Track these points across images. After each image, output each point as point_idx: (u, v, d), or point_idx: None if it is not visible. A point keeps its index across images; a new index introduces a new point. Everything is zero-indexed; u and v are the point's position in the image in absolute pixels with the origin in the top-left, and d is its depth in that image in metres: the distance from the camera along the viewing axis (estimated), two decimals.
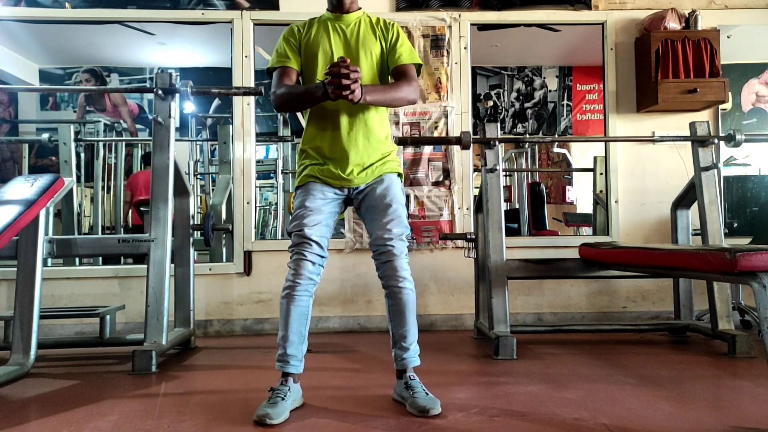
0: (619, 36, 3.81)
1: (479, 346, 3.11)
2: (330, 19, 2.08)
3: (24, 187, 2.61)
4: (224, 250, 3.92)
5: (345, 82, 1.75)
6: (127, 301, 3.46)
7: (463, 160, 3.72)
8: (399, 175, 2.08)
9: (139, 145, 5.43)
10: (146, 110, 5.85)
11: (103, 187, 4.93)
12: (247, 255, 3.62)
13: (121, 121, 5.67)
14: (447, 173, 3.72)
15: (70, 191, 3.99)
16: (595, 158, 4.44)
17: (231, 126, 3.79)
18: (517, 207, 5.33)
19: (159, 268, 2.68)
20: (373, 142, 2.00)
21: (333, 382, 2.35)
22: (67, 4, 3.65)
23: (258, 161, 4.59)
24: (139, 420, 1.84)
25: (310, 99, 1.92)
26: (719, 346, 2.93)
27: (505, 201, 3.68)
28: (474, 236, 3.29)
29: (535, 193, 5.33)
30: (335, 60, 1.94)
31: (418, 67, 2.10)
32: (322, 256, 1.93)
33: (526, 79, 5.83)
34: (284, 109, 2.04)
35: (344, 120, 1.97)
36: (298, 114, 3.91)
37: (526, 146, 5.52)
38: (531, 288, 3.72)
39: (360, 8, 2.11)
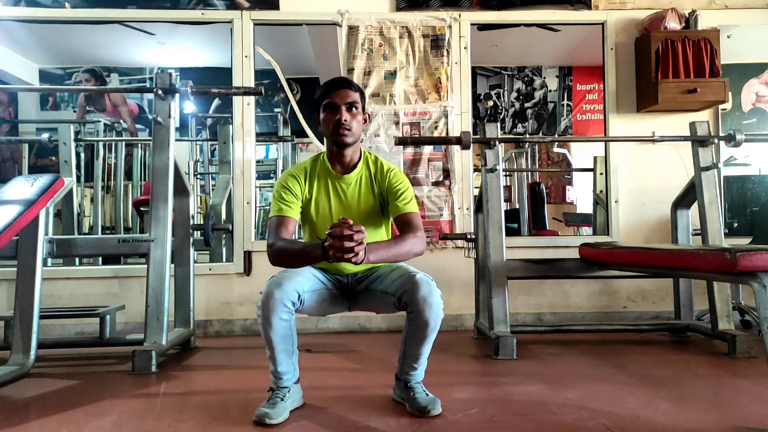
0: (619, 36, 3.81)
1: (479, 346, 3.11)
2: (330, 176, 1.98)
3: (24, 187, 2.61)
4: (224, 250, 3.92)
5: (348, 245, 1.63)
6: (127, 301, 3.46)
7: (463, 160, 3.71)
8: None
9: (139, 145, 5.43)
10: (146, 110, 5.85)
11: (103, 187, 4.93)
12: (247, 255, 3.62)
13: (121, 121, 5.67)
14: (447, 173, 3.72)
15: (70, 191, 3.99)
16: (595, 158, 4.44)
17: (231, 126, 3.79)
18: (517, 207, 5.33)
19: (159, 268, 2.68)
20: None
21: (333, 382, 2.35)
22: (67, 4, 3.65)
23: (258, 161, 4.59)
24: (139, 420, 1.84)
25: (306, 259, 1.80)
26: (719, 346, 2.93)
27: (505, 201, 3.68)
28: (474, 236, 3.29)
29: (535, 193, 5.33)
30: (334, 222, 1.82)
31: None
32: (300, 303, 1.82)
33: (526, 79, 5.83)
34: (278, 264, 1.86)
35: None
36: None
37: (526, 146, 5.52)
38: (531, 288, 3.72)
39: (360, 158, 2.00)
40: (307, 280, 1.85)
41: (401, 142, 3.21)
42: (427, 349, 1.89)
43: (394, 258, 1.84)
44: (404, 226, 1.93)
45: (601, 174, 4.06)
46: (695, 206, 3.17)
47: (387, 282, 1.90)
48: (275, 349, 1.81)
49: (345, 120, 1.90)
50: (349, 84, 1.95)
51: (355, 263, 1.69)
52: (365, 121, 2.00)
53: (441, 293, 1.82)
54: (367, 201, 1.99)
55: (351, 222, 1.67)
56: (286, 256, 1.83)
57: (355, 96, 1.94)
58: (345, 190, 1.99)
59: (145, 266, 2.71)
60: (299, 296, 1.79)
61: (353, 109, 1.93)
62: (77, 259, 3.86)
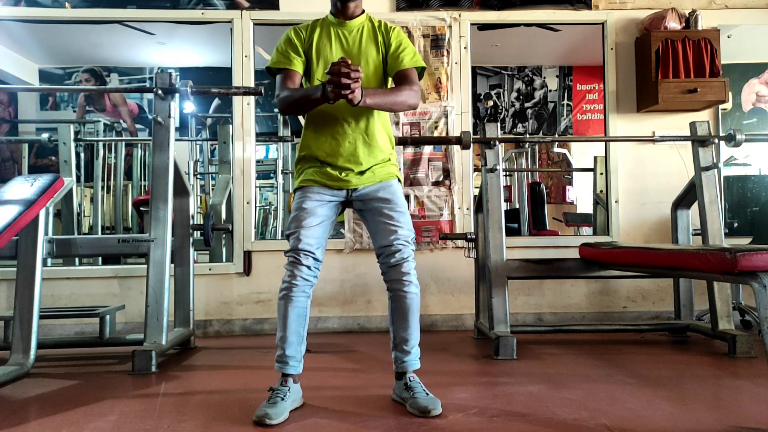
0: (620, 36, 3.81)
1: (479, 346, 3.11)
2: (333, 24, 2.05)
3: (24, 187, 2.61)
4: (224, 250, 3.91)
5: (345, 81, 1.71)
6: (127, 301, 3.46)
7: (463, 160, 3.71)
8: (399, 180, 2.06)
9: (139, 145, 5.42)
10: (146, 110, 5.85)
11: (102, 187, 4.93)
12: (247, 255, 3.62)
13: (121, 121, 5.67)
14: (447, 173, 3.72)
15: (70, 191, 3.99)
16: (595, 158, 4.44)
17: (231, 126, 3.79)
18: (517, 207, 5.33)
19: (159, 268, 2.67)
20: (372, 145, 1.99)
21: (333, 382, 2.35)
22: (67, 3, 3.65)
23: (258, 161, 4.59)
24: (139, 420, 1.84)
25: (308, 101, 1.89)
26: (719, 346, 2.93)
27: (505, 201, 3.67)
28: (474, 236, 3.29)
29: (535, 193, 5.33)
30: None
31: (422, 70, 2.07)
32: (317, 260, 1.92)
33: (526, 78, 5.83)
34: (287, 112, 2.03)
35: (343, 122, 1.96)
36: (300, 118, 3.90)
37: (526, 146, 5.52)
38: (531, 288, 3.72)
39: (363, 11, 2.08)
40: (321, 230, 1.93)
41: (401, 142, 3.21)
42: (414, 329, 1.97)
43: (389, 105, 1.92)
44: (402, 80, 1.99)
45: (601, 174, 4.07)
46: (695, 206, 3.17)
47: (380, 223, 1.96)
48: (288, 328, 1.88)
49: None
50: None
51: (352, 102, 1.77)
52: None
53: (414, 264, 1.97)
54: (369, 49, 2.02)
55: (350, 61, 1.73)
56: (290, 103, 1.94)
57: None
58: (347, 36, 2.03)
59: (145, 266, 2.71)
60: (318, 259, 1.91)
61: None
62: (77, 259, 3.86)
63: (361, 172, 1.98)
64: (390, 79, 2.07)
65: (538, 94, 5.82)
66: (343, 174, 1.96)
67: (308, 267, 1.90)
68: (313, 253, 1.90)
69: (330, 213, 1.99)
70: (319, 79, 1.97)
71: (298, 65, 2.01)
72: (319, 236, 1.93)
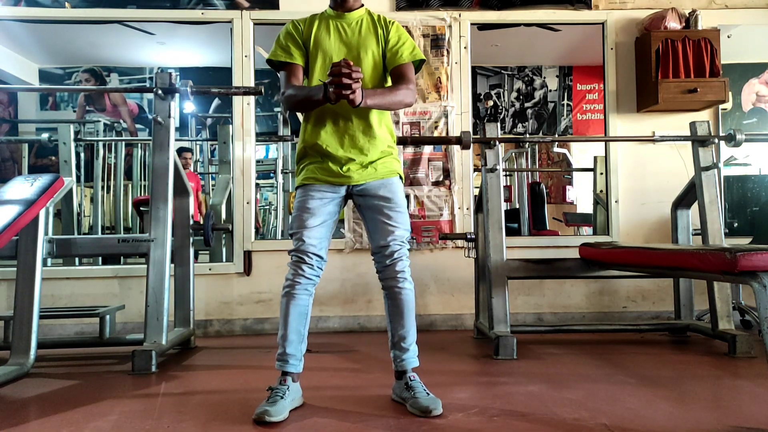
0: (620, 36, 3.81)
1: (479, 346, 3.11)
2: (332, 17, 2.06)
3: (24, 186, 2.61)
4: (224, 250, 3.91)
5: (346, 81, 1.74)
6: (127, 301, 3.46)
7: (463, 159, 3.71)
8: (400, 177, 2.07)
9: (139, 145, 5.43)
10: (146, 110, 5.85)
11: (102, 187, 4.93)
12: (247, 255, 3.62)
13: (121, 121, 5.67)
14: (447, 173, 3.72)
15: (70, 191, 3.99)
16: (595, 158, 4.44)
17: (231, 126, 3.79)
18: (517, 207, 5.33)
19: (159, 268, 2.67)
20: (372, 140, 1.99)
21: (333, 382, 2.35)
22: (67, 3, 3.64)
23: (258, 161, 4.59)
24: (139, 420, 1.84)
25: (311, 102, 1.91)
26: (719, 346, 2.93)
27: (505, 201, 3.67)
28: (474, 236, 3.29)
29: (535, 192, 5.33)
30: (335, 61, 1.94)
31: (420, 62, 2.09)
32: (321, 257, 1.94)
33: (526, 78, 5.83)
34: (293, 110, 2.07)
35: (343, 117, 1.97)
36: (298, 114, 3.90)
37: (526, 146, 5.52)
38: (531, 288, 3.72)
39: (362, 5, 2.09)
40: (324, 229, 1.95)
41: (401, 142, 3.21)
42: (411, 326, 1.99)
43: (388, 104, 1.96)
44: (399, 77, 2.02)
45: (601, 174, 4.06)
46: (695, 206, 3.16)
47: (379, 222, 1.97)
48: (289, 326, 1.90)
49: None
50: None
51: (353, 102, 1.79)
52: None
53: (409, 263, 1.98)
54: (369, 41, 2.03)
55: (351, 63, 1.76)
56: (295, 103, 1.96)
57: None
58: (345, 28, 2.04)
59: (145, 266, 2.71)
60: (322, 258, 1.94)
61: None
62: (77, 259, 3.86)
63: (363, 166, 1.98)
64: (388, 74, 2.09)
65: (538, 94, 5.82)
66: (344, 169, 1.96)
67: (311, 266, 1.92)
68: (317, 253, 1.92)
69: (332, 211, 1.99)
70: (320, 79, 1.97)
71: (299, 59, 2.02)
72: (322, 236, 1.94)
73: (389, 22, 2.08)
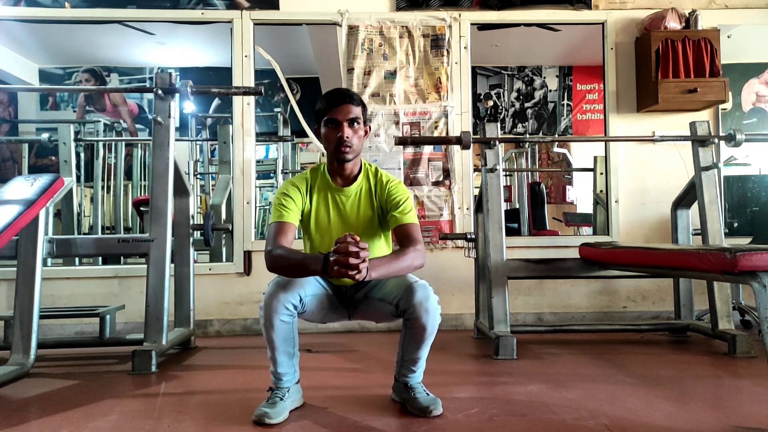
0: (619, 36, 3.81)
1: (479, 346, 3.11)
2: (331, 189, 1.98)
3: (24, 186, 2.61)
4: (224, 250, 3.91)
5: (353, 261, 1.61)
6: (127, 301, 3.46)
7: (463, 160, 3.71)
8: None
9: (139, 145, 5.43)
10: (146, 110, 5.85)
11: (102, 187, 4.93)
12: (247, 255, 3.62)
13: (121, 121, 5.67)
14: (447, 173, 3.72)
15: (70, 191, 3.99)
16: (595, 158, 4.44)
17: (231, 126, 3.79)
18: (517, 207, 5.33)
19: (159, 268, 2.67)
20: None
21: (333, 382, 2.35)
22: (67, 3, 3.64)
23: (258, 161, 4.59)
24: (139, 420, 1.84)
25: (304, 271, 1.76)
26: (719, 346, 2.93)
27: (505, 201, 3.68)
28: (474, 236, 3.29)
29: (535, 192, 5.33)
30: (332, 235, 1.91)
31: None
32: (302, 307, 1.83)
33: (526, 78, 5.83)
34: (275, 272, 1.80)
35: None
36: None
37: (526, 146, 5.52)
38: (531, 288, 3.72)
39: (360, 170, 1.99)
40: (309, 284, 1.85)
41: (401, 141, 3.21)
42: (425, 353, 1.89)
43: (396, 273, 1.81)
44: (404, 239, 1.91)
45: (601, 174, 4.07)
46: (695, 206, 3.16)
47: (385, 290, 1.90)
48: (276, 350, 1.82)
49: (347, 137, 1.89)
50: (351, 98, 1.92)
51: (357, 280, 1.65)
52: (366, 133, 1.98)
53: (438, 299, 1.83)
54: (366, 213, 1.98)
55: (358, 238, 1.65)
56: (284, 266, 1.78)
57: (357, 111, 1.92)
58: (344, 203, 1.98)
59: (145, 266, 2.71)
60: (301, 299, 1.79)
61: (355, 124, 1.91)
62: (77, 259, 3.86)
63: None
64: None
65: (538, 94, 5.82)
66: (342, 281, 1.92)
67: (287, 308, 1.78)
68: (299, 302, 1.80)
69: (324, 293, 1.94)
70: (320, 251, 1.91)
71: (294, 218, 1.92)
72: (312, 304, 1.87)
73: (386, 183, 1.99)
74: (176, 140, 2.84)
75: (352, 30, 3.70)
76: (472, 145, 3.05)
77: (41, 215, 2.58)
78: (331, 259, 1.64)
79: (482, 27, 3.89)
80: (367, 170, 2.02)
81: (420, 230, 1.96)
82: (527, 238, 4.54)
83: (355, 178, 1.99)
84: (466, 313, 3.66)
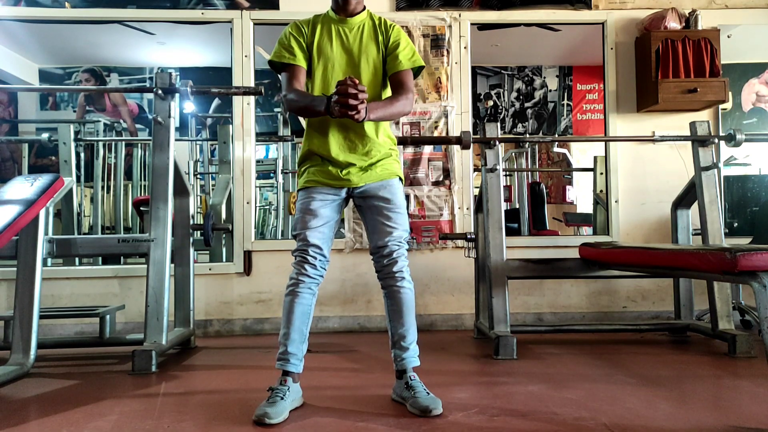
0: (619, 36, 3.81)
1: (479, 345, 3.11)
2: (334, 21, 2.06)
3: (24, 186, 2.61)
4: (224, 250, 3.91)
5: (352, 102, 1.77)
6: (127, 301, 3.46)
7: (463, 159, 3.71)
8: (400, 178, 2.08)
9: (139, 145, 5.43)
10: (146, 110, 5.85)
11: (103, 187, 4.93)
12: (247, 255, 3.62)
13: (121, 121, 5.67)
14: (447, 173, 3.72)
15: (70, 191, 3.99)
16: (595, 158, 4.44)
17: (231, 126, 3.79)
18: (517, 207, 5.33)
19: (159, 268, 2.67)
20: (372, 143, 2.01)
21: (333, 382, 2.35)
22: (67, 3, 3.64)
23: (258, 161, 4.58)
24: (139, 420, 1.84)
25: (312, 111, 1.93)
26: (719, 346, 2.93)
27: (505, 201, 3.67)
28: (474, 236, 3.29)
29: (535, 192, 5.33)
30: (335, 67, 2.00)
31: (419, 69, 2.09)
32: (324, 256, 1.96)
33: (526, 78, 5.83)
34: (292, 113, 2.09)
35: (344, 124, 1.98)
36: (300, 118, 3.90)
37: (526, 146, 5.52)
38: (531, 288, 3.72)
39: (364, 8, 2.09)
40: (327, 229, 1.97)
41: (401, 142, 3.20)
42: (410, 324, 2.00)
43: (389, 117, 1.98)
44: (398, 85, 2.03)
45: (601, 174, 4.06)
46: (695, 206, 3.17)
47: (378, 222, 1.99)
48: (292, 325, 1.92)
49: None
50: None
51: (357, 120, 1.82)
52: None
53: (407, 262, 2.00)
54: (370, 48, 2.04)
55: (357, 81, 1.79)
56: (296, 108, 1.98)
57: None
58: (347, 34, 2.04)
59: (145, 266, 2.71)
60: (325, 257, 1.95)
61: None
62: (77, 259, 3.86)
63: (363, 169, 2.00)
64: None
65: (538, 94, 5.82)
66: (344, 172, 1.98)
67: (314, 266, 1.94)
68: (320, 252, 1.94)
69: (334, 213, 2.01)
70: (323, 92, 1.98)
71: (302, 60, 2.02)
72: (325, 236, 1.97)
73: (390, 26, 2.08)
74: (176, 140, 2.84)
75: None
76: (472, 145, 3.05)
77: (41, 215, 2.58)
78: (333, 99, 1.80)
79: (482, 27, 3.89)
80: (371, 13, 2.11)
81: (412, 78, 2.06)
82: (527, 238, 4.54)
83: (358, 14, 2.06)
84: (466, 313, 3.66)
